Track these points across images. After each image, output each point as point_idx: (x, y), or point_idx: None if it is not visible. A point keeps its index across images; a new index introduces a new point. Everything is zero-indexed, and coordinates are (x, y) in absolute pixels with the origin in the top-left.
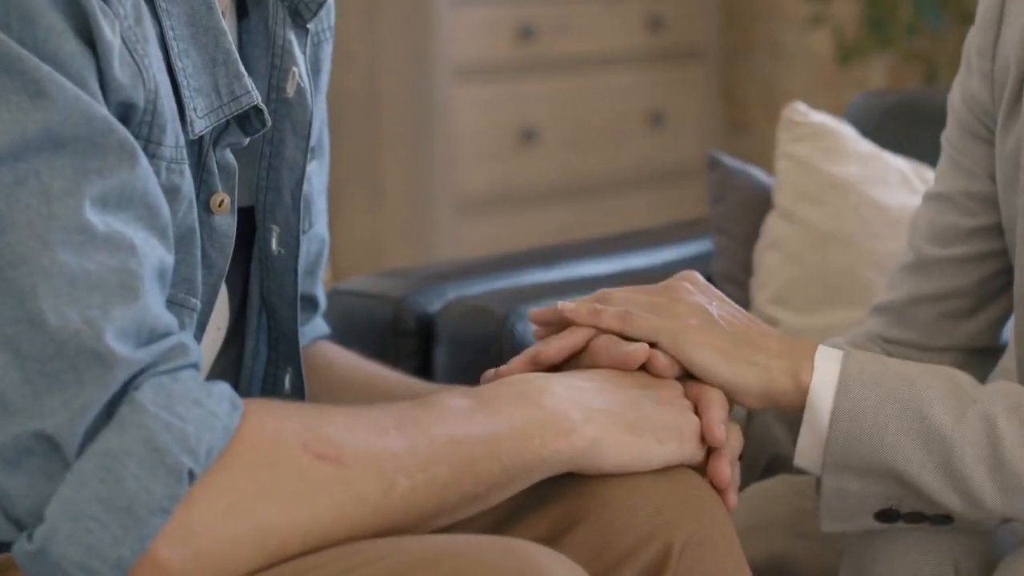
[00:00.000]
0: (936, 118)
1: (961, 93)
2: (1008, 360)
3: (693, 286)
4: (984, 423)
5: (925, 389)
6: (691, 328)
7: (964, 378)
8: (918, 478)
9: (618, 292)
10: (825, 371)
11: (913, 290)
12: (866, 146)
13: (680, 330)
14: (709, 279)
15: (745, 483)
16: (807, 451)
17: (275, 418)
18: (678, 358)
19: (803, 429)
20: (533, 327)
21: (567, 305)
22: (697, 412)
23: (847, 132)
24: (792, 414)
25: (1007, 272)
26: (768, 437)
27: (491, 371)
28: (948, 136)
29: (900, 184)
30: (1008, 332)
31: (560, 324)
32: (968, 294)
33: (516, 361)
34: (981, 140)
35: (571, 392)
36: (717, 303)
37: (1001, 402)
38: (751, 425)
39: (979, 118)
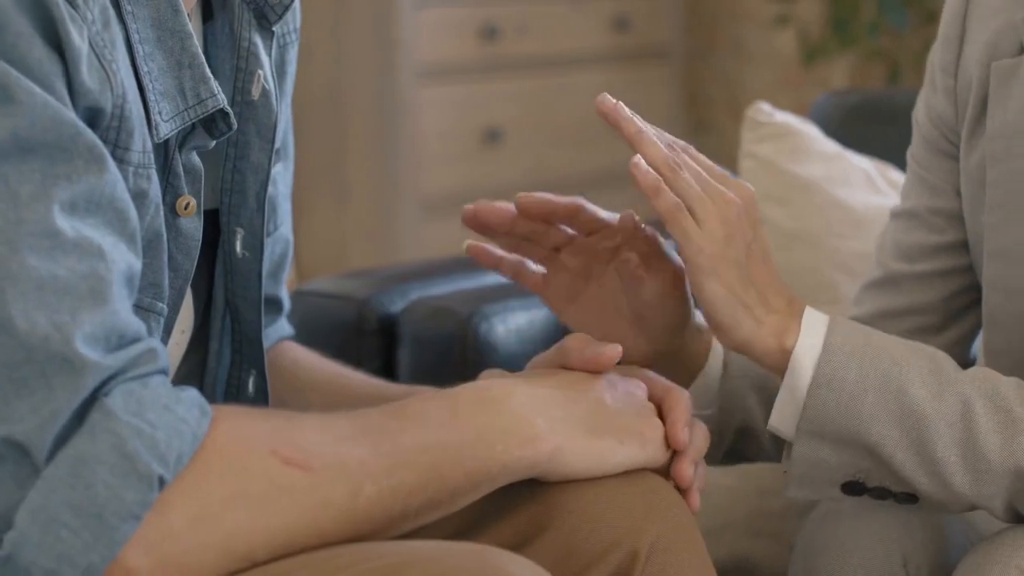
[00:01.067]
0: (899, 117)
1: (926, 109)
2: None
3: (745, 210)
4: (961, 405)
5: (906, 365)
6: (716, 256)
7: (945, 359)
8: (891, 454)
9: (687, 171)
10: (810, 334)
11: (881, 306)
12: (830, 146)
13: (708, 253)
14: None
15: (711, 456)
16: (783, 414)
17: (244, 424)
18: (690, 279)
19: (781, 391)
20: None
21: (641, 163)
22: (661, 413)
23: (811, 132)
24: (772, 373)
25: (975, 288)
26: (741, 405)
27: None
28: (913, 152)
29: (864, 184)
30: (976, 347)
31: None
32: (936, 310)
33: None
34: (947, 156)
35: (534, 398)
36: (757, 236)
37: (979, 387)
38: (723, 389)
39: (944, 135)
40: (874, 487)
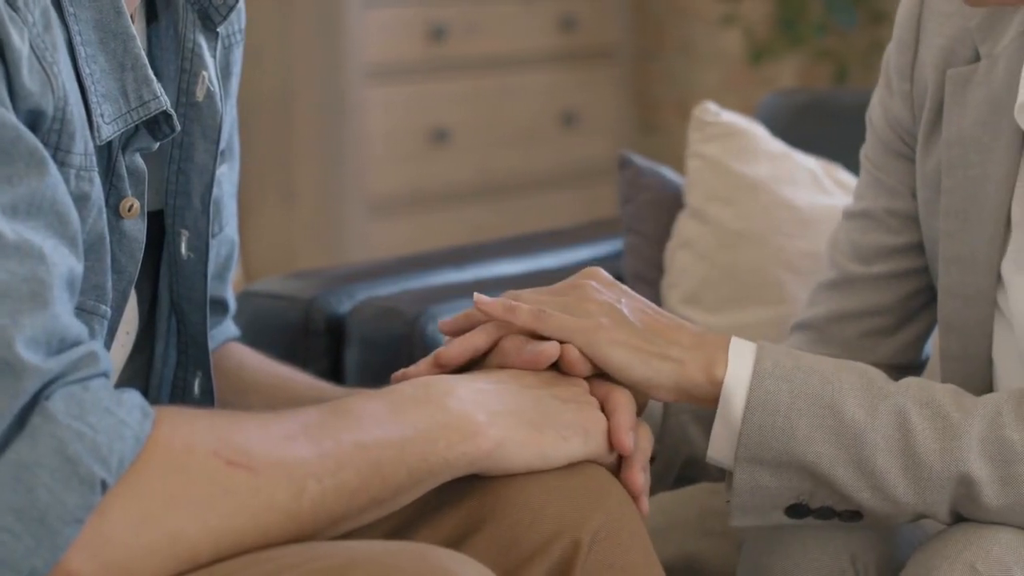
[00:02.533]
0: (846, 117)
1: (882, 111)
2: (931, 376)
3: (599, 283)
4: (897, 417)
5: (838, 383)
6: (603, 327)
7: (876, 373)
8: (831, 472)
9: (526, 293)
10: (739, 363)
11: (835, 307)
12: (776, 145)
13: (593, 329)
14: (620, 278)
15: (661, 485)
16: (720, 444)
17: (186, 426)
18: (592, 358)
19: (716, 422)
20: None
21: (483, 297)
22: (604, 410)
23: (757, 131)
24: (706, 407)
25: (930, 289)
26: (684, 438)
27: (399, 372)
28: (868, 153)
29: (810, 183)
30: (930, 347)
31: (470, 329)
32: (891, 311)
33: (422, 363)
34: (903, 158)
35: (475, 394)
36: (625, 299)
37: (914, 395)
38: (666, 425)
39: (901, 137)
40: (818, 508)
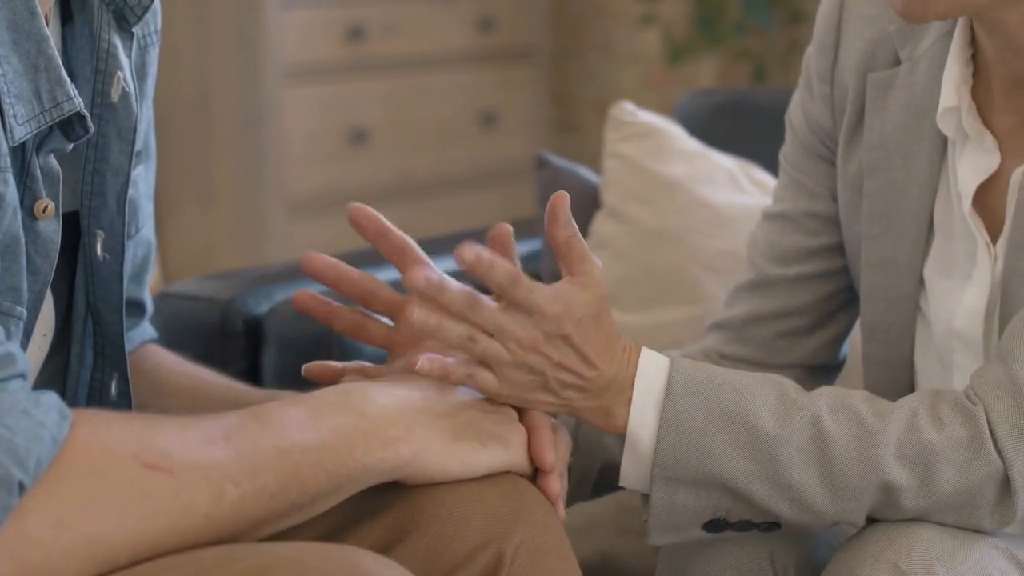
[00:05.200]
0: (763, 116)
1: (802, 114)
2: (852, 381)
3: (564, 320)
4: (811, 427)
5: (751, 396)
6: (522, 396)
7: (790, 385)
8: (748, 488)
9: (501, 287)
10: (644, 401)
11: (753, 308)
12: (693, 145)
13: (514, 396)
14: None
15: (579, 495)
16: (631, 474)
17: (104, 428)
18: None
19: (624, 456)
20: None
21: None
22: (525, 427)
23: (674, 131)
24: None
25: (847, 291)
26: (599, 444)
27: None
28: (787, 155)
29: (727, 182)
30: (847, 349)
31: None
32: (808, 312)
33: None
34: (824, 160)
35: (395, 401)
36: (572, 330)
37: (828, 403)
38: (580, 433)
39: (822, 140)
40: (736, 521)
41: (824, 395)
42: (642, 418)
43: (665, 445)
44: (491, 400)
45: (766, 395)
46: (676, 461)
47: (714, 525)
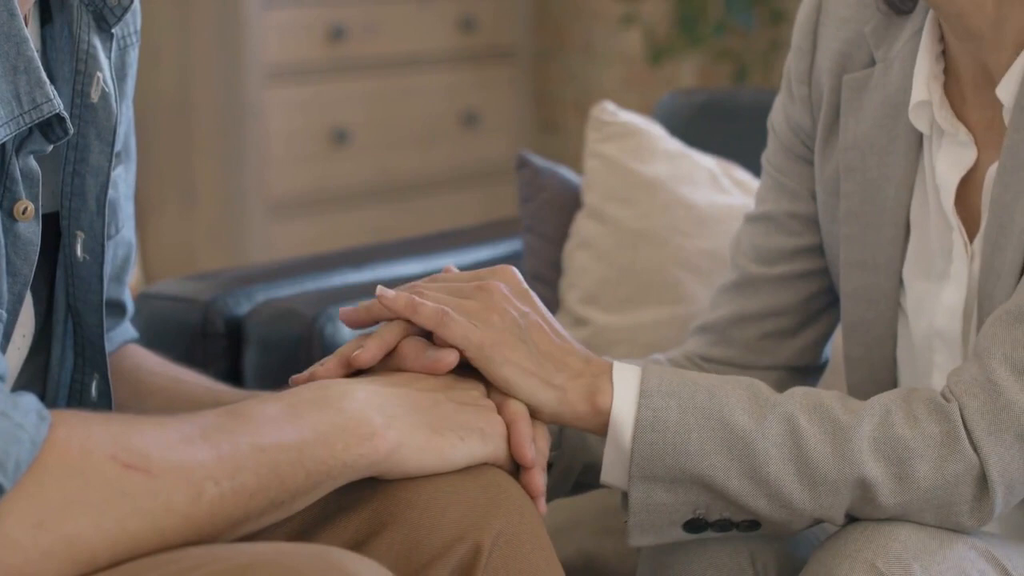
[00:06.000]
0: (744, 116)
1: (784, 116)
2: (834, 381)
3: (509, 288)
4: (786, 424)
5: (723, 396)
6: (499, 344)
7: (761, 385)
8: (725, 484)
9: (430, 289)
10: (624, 387)
11: (737, 309)
12: (674, 145)
13: (490, 344)
14: None
15: (559, 492)
16: (613, 468)
17: (83, 429)
18: (483, 371)
19: (607, 447)
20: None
21: (386, 291)
22: (503, 419)
23: (655, 131)
24: (592, 433)
25: (831, 291)
26: (582, 445)
27: (304, 373)
28: (770, 158)
29: (708, 183)
30: (829, 351)
31: (371, 322)
32: (792, 313)
33: (330, 363)
34: (805, 162)
35: (373, 397)
36: (529, 310)
37: (801, 402)
38: (564, 433)
39: (803, 141)
40: (715, 520)
41: (796, 395)
42: (623, 406)
43: (641, 444)
44: (469, 394)
45: (739, 395)
46: (653, 459)
47: (694, 525)
